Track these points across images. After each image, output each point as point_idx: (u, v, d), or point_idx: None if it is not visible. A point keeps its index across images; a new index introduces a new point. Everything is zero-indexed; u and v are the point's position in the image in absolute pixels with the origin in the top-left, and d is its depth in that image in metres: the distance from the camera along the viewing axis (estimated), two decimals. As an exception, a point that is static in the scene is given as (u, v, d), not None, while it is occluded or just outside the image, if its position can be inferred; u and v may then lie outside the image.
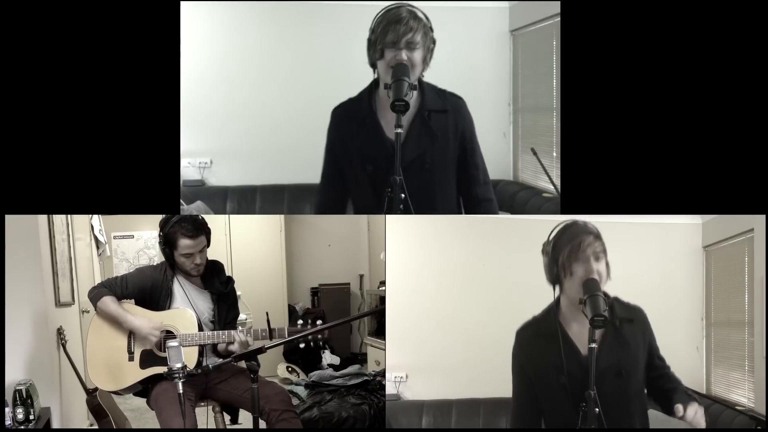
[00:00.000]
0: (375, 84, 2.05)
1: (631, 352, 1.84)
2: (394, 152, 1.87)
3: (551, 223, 1.92)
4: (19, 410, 2.58)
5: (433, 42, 1.97)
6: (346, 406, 3.64)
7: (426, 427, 3.27)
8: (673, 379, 1.90)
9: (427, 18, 1.96)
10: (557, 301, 1.89)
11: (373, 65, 2.01)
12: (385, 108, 1.97)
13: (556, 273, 1.84)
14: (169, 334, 2.49)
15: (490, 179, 2.16)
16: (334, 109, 2.11)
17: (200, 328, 2.54)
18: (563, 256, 1.81)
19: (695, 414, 1.77)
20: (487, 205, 2.14)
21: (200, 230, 2.53)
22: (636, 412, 1.85)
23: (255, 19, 4.26)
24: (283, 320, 5.37)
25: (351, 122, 2.06)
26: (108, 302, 2.51)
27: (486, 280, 3.46)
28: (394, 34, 1.89)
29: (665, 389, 1.88)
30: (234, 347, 2.46)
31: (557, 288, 1.87)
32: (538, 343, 1.88)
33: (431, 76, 2.12)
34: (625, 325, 1.85)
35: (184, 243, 2.51)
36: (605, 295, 1.86)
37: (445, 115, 2.05)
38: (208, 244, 2.59)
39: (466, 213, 2.15)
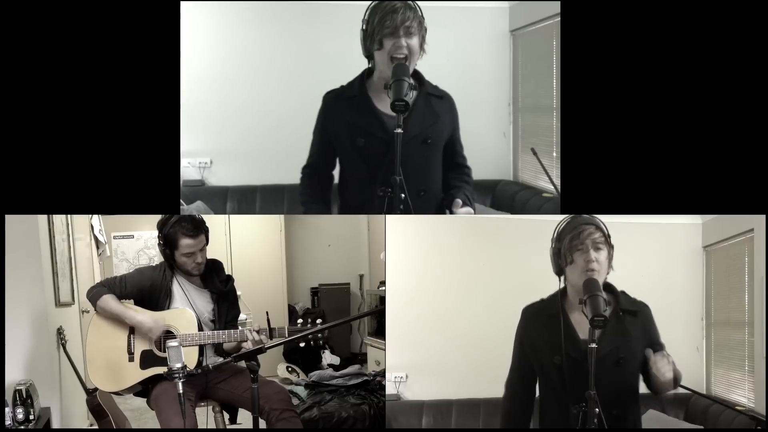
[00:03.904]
0: (368, 71, 2.10)
1: (630, 344, 1.87)
2: (387, 122, 1.92)
3: (551, 223, 1.94)
4: (19, 410, 2.58)
5: (425, 30, 2.01)
6: (346, 406, 3.64)
7: (426, 427, 3.28)
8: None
9: (418, 7, 2.00)
10: (564, 290, 1.94)
11: (369, 56, 2.04)
12: (377, 90, 2.03)
13: (559, 263, 1.90)
14: (169, 334, 2.49)
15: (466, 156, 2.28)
16: (326, 94, 2.15)
17: (200, 328, 2.54)
18: (564, 245, 1.87)
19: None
20: (468, 171, 2.25)
21: (200, 229, 2.54)
22: (629, 404, 1.89)
23: (255, 19, 4.25)
24: (283, 320, 5.37)
25: (341, 102, 2.10)
26: (108, 300, 2.51)
27: (486, 280, 3.46)
28: (392, 22, 1.93)
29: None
30: (248, 345, 2.45)
31: (562, 279, 1.93)
32: (539, 319, 1.94)
33: (433, 76, 2.15)
34: (627, 316, 1.89)
35: (185, 242, 2.51)
36: (611, 287, 1.89)
37: (442, 101, 2.14)
38: (207, 243, 2.59)
39: (446, 180, 2.21)
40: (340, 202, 2.22)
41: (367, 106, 2.06)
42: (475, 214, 2.16)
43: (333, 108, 2.12)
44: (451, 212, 2.06)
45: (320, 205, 2.21)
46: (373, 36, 1.97)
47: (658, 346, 1.91)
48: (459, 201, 2.06)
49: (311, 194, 2.22)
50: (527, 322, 1.99)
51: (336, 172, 2.24)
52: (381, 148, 2.00)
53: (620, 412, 1.84)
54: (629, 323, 1.88)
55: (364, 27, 2.00)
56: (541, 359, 1.92)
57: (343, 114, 2.08)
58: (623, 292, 1.94)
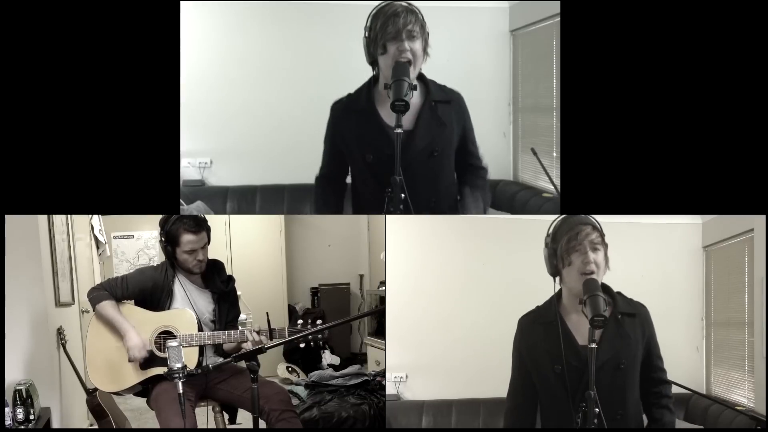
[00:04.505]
0: (374, 80, 2.09)
1: (631, 346, 1.86)
2: (394, 141, 1.90)
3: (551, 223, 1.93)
4: (19, 410, 2.58)
5: (428, 34, 2.01)
6: (346, 406, 3.64)
7: (426, 427, 3.28)
8: (663, 406, 1.91)
9: (419, 11, 1.99)
10: (558, 293, 1.91)
11: (373, 62, 2.04)
12: (384, 102, 2.01)
13: (555, 264, 1.87)
14: (169, 335, 2.49)
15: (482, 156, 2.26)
16: (334, 104, 2.15)
17: (200, 329, 2.54)
18: (561, 246, 1.84)
19: None
20: (482, 173, 2.23)
21: (202, 226, 2.54)
22: (631, 402, 1.87)
23: (255, 19, 4.25)
24: (283, 320, 5.37)
25: (350, 114, 2.10)
26: (106, 307, 2.51)
27: (486, 280, 3.46)
28: (394, 26, 1.93)
29: (652, 415, 1.91)
30: (247, 346, 2.45)
31: (557, 280, 1.90)
32: (536, 330, 1.92)
33: (433, 77, 2.14)
34: (626, 318, 1.87)
35: (187, 238, 2.51)
36: (608, 289, 1.87)
37: (449, 105, 2.12)
38: (209, 241, 2.59)
39: (461, 181, 2.21)
40: (353, 204, 2.22)
41: (375, 120, 2.05)
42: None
43: (341, 121, 2.12)
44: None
45: (334, 213, 2.24)
46: (376, 41, 1.96)
47: (655, 350, 1.91)
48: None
49: (324, 203, 2.24)
50: (524, 332, 1.96)
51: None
52: (390, 163, 1.96)
53: (623, 415, 1.83)
54: (628, 326, 1.87)
55: (366, 34, 2.00)
56: (541, 369, 1.89)
57: (352, 128, 2.08)
58: (620, 294, 1.92)
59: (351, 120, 2.09)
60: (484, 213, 2.14)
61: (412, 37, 1.93)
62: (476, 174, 2.21)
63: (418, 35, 1.95)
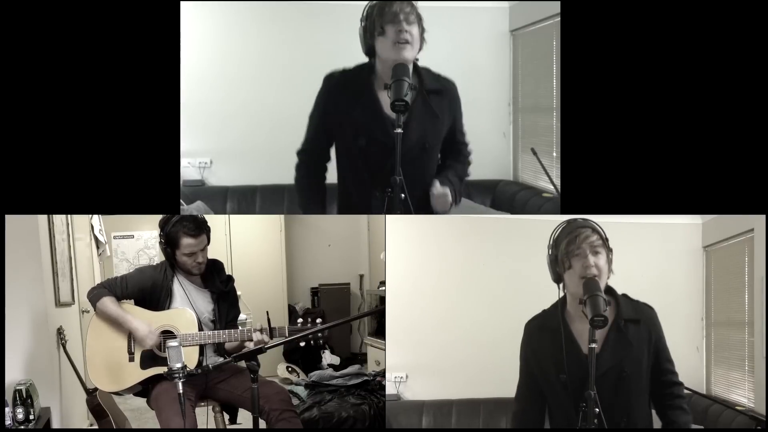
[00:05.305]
0: (371, 68, 2.07)
1: (634, 354, 1.83)
2: (390, 127, 1.90)
3: (551, 223, 1.92)
4: (19, 410, 2.58)
5: (423, 29, 2.01)
6: (346, 406, 3.64)
7: (426, 427, 3.28)
8: (677, 407, 1.88)
9: (414, 5, 2.00)
10: (564, 299, 1.89)
11: (370, 52, 2.03)
12: (382, 89, 2.00)
13: (557, 270, 1.85)
14: (169, 334, 2.49)
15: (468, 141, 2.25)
16: (327, 75, 2.11)
17: (200, 328, 2.54)
18: (561, 251, 1.82)
19: None
20: (463, 148, 2.22)
21: (202, 229, 2.54)
22: (638, 412, 1.85)
23: (255, 19, 4.26)
24: (283, 320, 5.37)
25: (347, 93, 2.06)
26: (107, 303, 2.51)
27: (486, 279, 3.46)
28: (392, 9, 1.93)
29: (667, 417, 1.89)
30: (251, 345, 2.45)
31: (561, 286, 1.88)
32: (541, 336, 1.90)
33: (432, 77, 2.14)
34: (630, 325, 1.84)
35: (187, 242, 2.51)
36: (612, 291, 1.86)
37: (441, 96, 2.10)
38: (209, 242, 2.59)
39: (441, 161, 2.18)
40: (339, 200, 2.20)
41: (372, 105, 2.03)
42: (460, 191, 2.13)
43: (336, 97, 2.07)
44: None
45: (315, 192, 2.20)
46: (374, 25, 1.96)
47: (664, 353, 1.89)
48: (436, 182, 2.05)
49: (308, 184, 2.22)
50: (531, 337, 1.93)
51: (332, 168, 2.21)
52: (382, 151, 1.97)
53: (627, 422, 1.81)
54: (632, 333, 1.83)
55: (363, 24, 2.00)
56: (547, 375, 1.87)
57: (347, 108, 2.04)
58: (625, 296, 1.89)
59: (347, 100, 2.05)
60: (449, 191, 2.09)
61: (409, 21, 1.93)
62: (457, 150, 2.19)
63: (414, 21, 1.95)
